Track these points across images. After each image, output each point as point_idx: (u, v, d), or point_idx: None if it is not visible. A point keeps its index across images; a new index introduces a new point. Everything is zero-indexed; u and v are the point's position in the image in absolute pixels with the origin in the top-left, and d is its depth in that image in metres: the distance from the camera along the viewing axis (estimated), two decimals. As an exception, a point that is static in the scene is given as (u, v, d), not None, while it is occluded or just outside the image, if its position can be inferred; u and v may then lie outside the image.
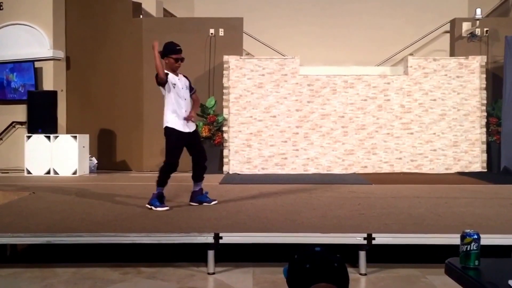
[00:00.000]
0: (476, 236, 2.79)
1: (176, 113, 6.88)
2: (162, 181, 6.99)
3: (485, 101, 11.99)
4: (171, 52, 6.93)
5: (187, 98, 7.00)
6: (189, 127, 6.97)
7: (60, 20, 13.29)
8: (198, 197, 7.23)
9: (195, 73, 12.25)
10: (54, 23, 13.14)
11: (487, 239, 4.48)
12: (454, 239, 4.53)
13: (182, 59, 6.99)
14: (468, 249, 2.73)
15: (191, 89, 7.11)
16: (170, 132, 6.89)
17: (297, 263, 2.17)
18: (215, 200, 7.28)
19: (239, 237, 5.45)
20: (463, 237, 2.82)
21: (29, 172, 11.78)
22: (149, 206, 6.92)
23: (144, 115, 12.34)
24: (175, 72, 6.97)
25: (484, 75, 12.01)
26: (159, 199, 6.95)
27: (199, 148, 7.14)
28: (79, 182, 10.43)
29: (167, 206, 6.90)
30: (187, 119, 6.90)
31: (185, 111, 6.92)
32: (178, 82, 6.93)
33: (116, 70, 12.91)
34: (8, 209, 7.20)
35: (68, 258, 5.82)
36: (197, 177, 7.20)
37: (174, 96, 6.87)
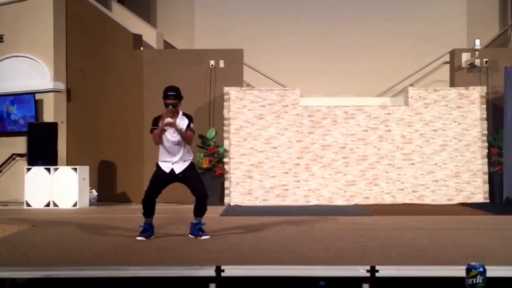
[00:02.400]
0: (481, 269, 2.75)
1: (163, 153, 7.09)
2: (143, 211, 7.26)
3: (486, 132, 11.99)
4: (163, 97, 6.97)
5: (177, 143, 7.03)
6: (176, 169, 7.05)
7: (61, 52, 13.35)
8: (192, 230, 7.23)
9: (195, 105, 12.28)
10: (55, 55, 13.20)
11: (492, 271, 4.42)
12: (458, 271, 4.49)
13: (172, 105, 6.88)
14: (474, 282, 2.69)
15: (188, 127, 7.07)
16: (156, 167, 7.20)
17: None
18: (207, 235, 7.18)
19: (241, 270, 5.37)
20: (468, 270, 2.78)
21: (28, 205, 11.69)
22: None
23: (144, 147, 12.29)
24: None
25: (485, 106, 12.02)
26: (142, 230, 7.18)
27: (193, 185, 7.14)
28: (79, 215, 10.36)
29: (143, 237, 7.08)
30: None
31: (173, 155, 7.05)
32: (169, 128, 6.98)
33: (117, 102, 12.93)
34: (7, 242, 7.13)
35: (68, 292, 5.75)
36: (194, 211, 7.27)
37: (164, 139, 7.02)
